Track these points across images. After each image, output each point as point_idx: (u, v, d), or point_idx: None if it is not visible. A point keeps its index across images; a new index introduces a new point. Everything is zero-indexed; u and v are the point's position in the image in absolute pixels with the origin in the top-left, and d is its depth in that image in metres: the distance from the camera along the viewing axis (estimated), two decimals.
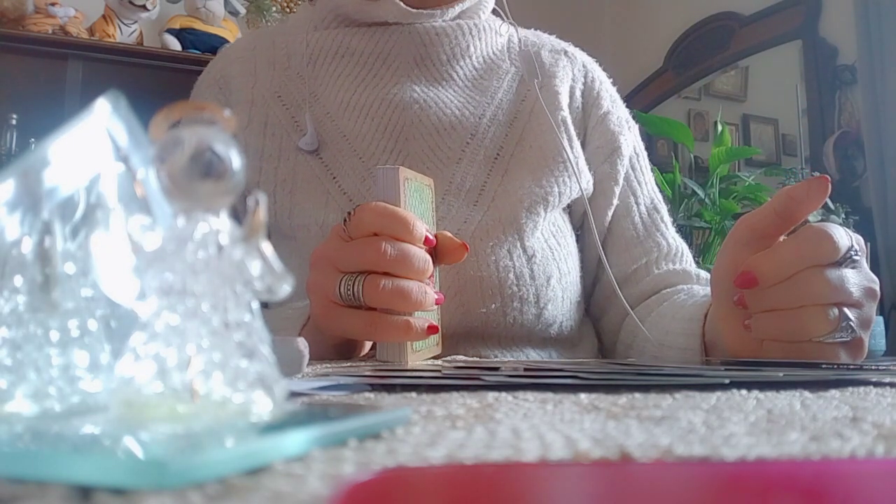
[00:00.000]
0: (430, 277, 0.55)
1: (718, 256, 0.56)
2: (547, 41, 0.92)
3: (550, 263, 0.75)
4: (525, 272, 0.73)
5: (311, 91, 0.81)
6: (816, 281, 0.48)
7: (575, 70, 0.88)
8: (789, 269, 0.49)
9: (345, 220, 0.54)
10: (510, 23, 0.85)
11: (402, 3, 0.79)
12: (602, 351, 0.85)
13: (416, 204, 0.58)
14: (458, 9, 0.83)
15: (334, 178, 0.76)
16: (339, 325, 0.55)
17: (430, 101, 0.79)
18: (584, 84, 0.88)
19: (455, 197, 0.75)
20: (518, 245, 0.74)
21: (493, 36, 0.85)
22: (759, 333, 0.51)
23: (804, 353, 0.50)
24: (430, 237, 0.55)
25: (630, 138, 0.87)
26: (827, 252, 0.48)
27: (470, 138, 0.78)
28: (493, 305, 0.72)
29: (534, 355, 0.75)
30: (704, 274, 0.81)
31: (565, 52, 0.90)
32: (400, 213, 0.53)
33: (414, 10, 0.80)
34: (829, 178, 0.49)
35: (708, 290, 0.65)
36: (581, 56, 0.91)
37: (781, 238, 0.53)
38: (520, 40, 0.86)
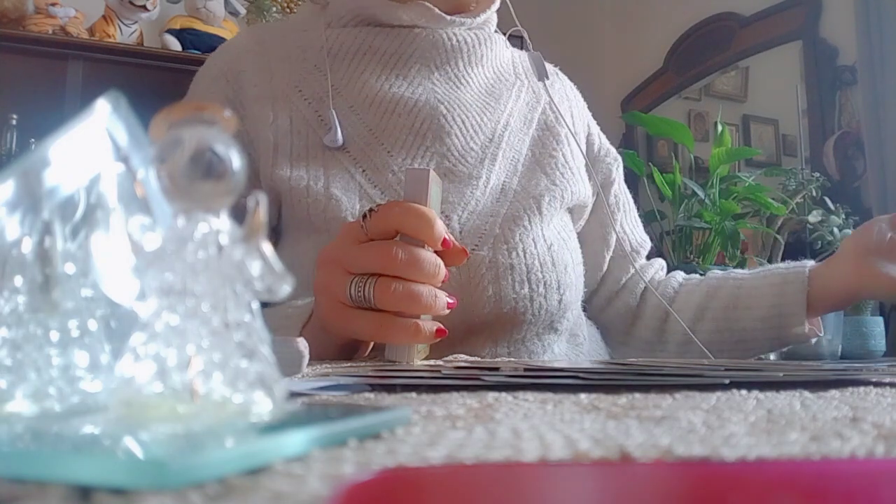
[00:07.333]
0: (443, 281, 0.55)
1: (857, 235, 0.77)
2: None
3: (565, 252, 0.80)
4: (547, 259, 0.77)
5: (332, 84, 0.82)
6: None
7: (567, 90, 0.97)
8: None
9: (364, 217, 0.55)
10: (518, 30, 0.88)
11: (433, 7, 0.81)
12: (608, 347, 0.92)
13: (435, 207, 0.58)
14: (482, 17, 0.87)
15: (363, 171, 0.78)
16: (348, 327, 0.56)
17: (453, 102, 0.82)
18: (577, 106, 0.97)
19: (482, 193, 0.79)
20: (540, 235, 0.78)
21: (501, 48, 0.91)
22: None
23: None
24: (448, 238, 0.55)
25: (616, 166, 0.97)
26: None
27: (489, 141, 0.82)
28: (523, 291, 0.75)
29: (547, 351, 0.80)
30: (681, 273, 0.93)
31: (557, 74, 0.98)
32: (425, 211, 0.54)
33: (446, 16, 0.83)
34: None
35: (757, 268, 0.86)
36: (567, 80, 1.01)
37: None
38: (530, 42, 0.88)
